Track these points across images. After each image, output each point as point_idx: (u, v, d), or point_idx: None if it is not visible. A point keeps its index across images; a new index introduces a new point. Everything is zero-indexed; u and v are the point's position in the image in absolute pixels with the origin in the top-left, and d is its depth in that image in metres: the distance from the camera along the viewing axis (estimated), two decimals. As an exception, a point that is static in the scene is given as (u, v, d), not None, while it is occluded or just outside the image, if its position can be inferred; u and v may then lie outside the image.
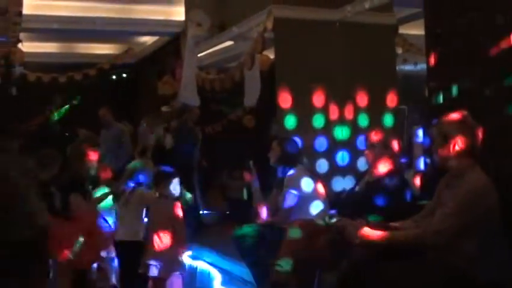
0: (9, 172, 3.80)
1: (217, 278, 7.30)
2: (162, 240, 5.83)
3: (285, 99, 7.80)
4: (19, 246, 3.50)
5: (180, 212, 5.95)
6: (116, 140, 10.29)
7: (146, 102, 13.82)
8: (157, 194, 6.19)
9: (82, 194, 6.27)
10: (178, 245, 5.93)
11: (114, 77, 14.38)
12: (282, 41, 8.06)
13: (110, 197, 7.17)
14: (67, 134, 12.45)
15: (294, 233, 5.42)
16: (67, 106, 13.07)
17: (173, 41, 12.11)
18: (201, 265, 7.75)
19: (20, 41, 10.44)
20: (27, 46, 10.97)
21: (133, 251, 6.14)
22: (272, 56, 8.94)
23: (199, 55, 10.37)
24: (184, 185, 6.49)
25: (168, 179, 6.05)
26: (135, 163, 6.62)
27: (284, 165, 5.95)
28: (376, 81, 8.07)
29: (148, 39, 13.64)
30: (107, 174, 7.37)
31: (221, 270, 7.48)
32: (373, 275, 3.98)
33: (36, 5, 10.59)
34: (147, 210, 6.38)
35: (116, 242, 6.44)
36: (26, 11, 9.81)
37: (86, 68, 13.19)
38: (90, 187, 6.65)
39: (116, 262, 6.83)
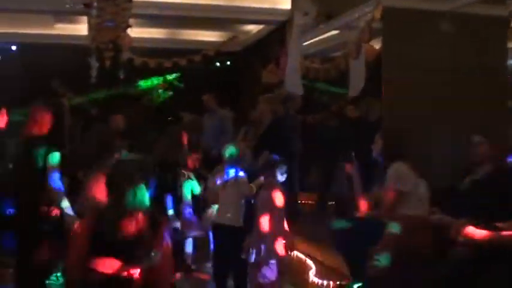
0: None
1: (311, 268, 7.27)
2: (263, 227, 5.82)
3: (390, 91, 7.65)
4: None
5: (281, 200, 5.92)
6: (219, 127, 10.39)
7: (249, 90, 13.88)
8: (261, 181, 6.21)
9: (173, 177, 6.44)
10: (277, 232, 5.91)
11: (218, 64, 14.50)
12: (390, 31, 7.89)
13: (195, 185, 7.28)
14: (170, 118, 12.71)
15: (394, 228, 5.32)
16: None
17: (278, 29, 12.09)
18: (295, 254, 7.73)
19: (129, 26, 10.66)
20: (135, 31, 11.19)
21: (232, 235, 6.17)
22: (378, 46, 8.77)
23: (303, 44, 10.31)
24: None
25: (277, 166, 6.04)
26: (232, 149, 6.62)
27: (387, 159, 5.81)
28: (485, 76, 7.79)
29: (253, 28, 13.68)
30: (193, 161, 7.49)
31: (316, 260, 7.44)
32: (475, 275, 3.85)
33: (147, -9, 10.82)
34: (247, 197, 6.40)
35: (215, 225, 6.49)
36: (135, -4, 10.03)
37: (190, 54, 13.36)
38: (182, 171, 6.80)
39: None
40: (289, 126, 9.37)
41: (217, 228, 6.48)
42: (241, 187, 6.30)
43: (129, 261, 3.61)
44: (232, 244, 6.17)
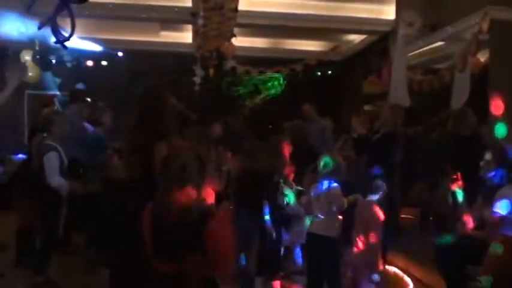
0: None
1: (409, 285, 7.13)
2: (362, 241, 5.73)
3: (497, 106, 7.39)
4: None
5: (380, 215, 5.81)
6: (319, 136, 10.33)
7: (349, 100, 13.79)
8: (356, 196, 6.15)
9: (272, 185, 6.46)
10: (377, 248, 5.79)
11: (319, 73, 14.48)
12: (498, 44, 7.67)
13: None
14: (270, 125, 12.76)
15: (496, 248, 5.14)
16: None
17: (381, 40, 11.96)
18: (393, 270, 7.60)
19: (233, 35, 10.80)
20: (239, 40, 11.33)
21: (326, 245, 6.13)
22: (483, 59, 8.54)
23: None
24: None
25: (377, 180, 5.95)
26: (327, 160, 6.54)
27: (495, 176, 5.59)
28: None
29: (356, 38, 13.59)
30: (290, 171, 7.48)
31: (414, 278, 7.29)
32: None
33: (250, 1, 10.90)
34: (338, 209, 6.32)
35: (309, 234, 6.46)
36: (240, 6, 10.12)
37: (292, 64, 13.40)
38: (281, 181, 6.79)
39: None
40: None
41: (311, 238, 6.43)
42: (333, 199, 6.22)
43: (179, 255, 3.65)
44: (327, 254, 6.12)
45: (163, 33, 13.62)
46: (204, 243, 3.62)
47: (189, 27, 12.54)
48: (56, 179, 6.78)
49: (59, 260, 7.43)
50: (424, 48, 10.66)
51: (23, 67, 12.37)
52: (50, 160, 6.75)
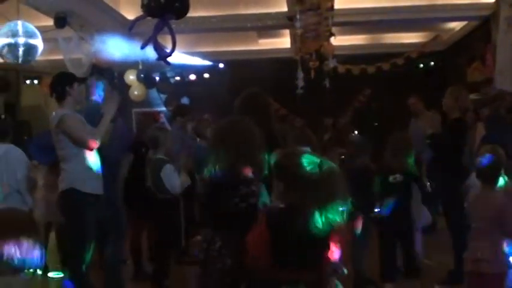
0: None
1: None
2: (484, 234, 5.45)
3: None
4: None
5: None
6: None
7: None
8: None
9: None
10: (502, 241, 5.51)
11: (421, 65, 14.23)
12: None
13: None
14: (376, 124, 12.65)
15: None
16: None
17: (482, 25, 11.62)
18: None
19: (332, 34, 10.75)
20: (338, 39, 11.27)
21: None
22: None
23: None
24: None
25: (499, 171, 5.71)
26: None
27: None
28: None
29: (456, 25, 13.27)
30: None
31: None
32: None
33: (346, -2, 10.85)
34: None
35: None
36: (336, 5, 10.07)
37: (393, 58, 13.23)
38: None
39: None
40: (498, 126, 8.86)
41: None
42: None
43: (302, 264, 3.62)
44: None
45: (262, 40, 13.75)
46: (327, 244, 3.61)
47: (287, 31, 12.60)
48: (177, 187, 6.86)
49: (177, 270, 7.61)
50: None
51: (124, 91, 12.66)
52: (168, 173, 6.84)
